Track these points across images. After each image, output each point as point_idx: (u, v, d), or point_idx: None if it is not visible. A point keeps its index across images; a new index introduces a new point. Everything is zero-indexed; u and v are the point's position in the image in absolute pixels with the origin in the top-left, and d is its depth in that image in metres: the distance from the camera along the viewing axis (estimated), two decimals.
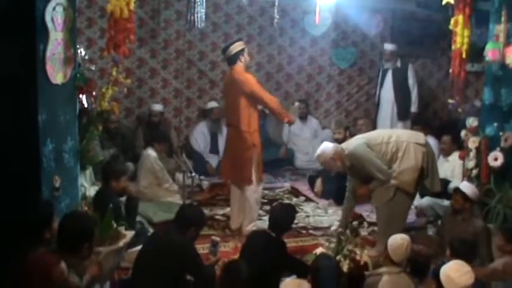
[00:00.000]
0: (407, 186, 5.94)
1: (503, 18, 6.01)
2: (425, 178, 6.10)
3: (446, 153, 7.60)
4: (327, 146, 6.26)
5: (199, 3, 6.93)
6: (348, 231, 5.47)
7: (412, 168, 5.94)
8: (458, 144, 7.08)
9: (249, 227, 6.60)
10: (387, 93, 9.44)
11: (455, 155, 7.18)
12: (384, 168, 5.92)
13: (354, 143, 6.15)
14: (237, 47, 6.64)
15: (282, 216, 5.28)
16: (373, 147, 5.99)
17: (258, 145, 6.69)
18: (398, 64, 9.43)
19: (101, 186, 5.99)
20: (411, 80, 9.42)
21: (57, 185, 4.61)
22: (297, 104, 6.71)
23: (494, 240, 5.49)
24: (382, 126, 9.18)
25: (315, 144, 9.54)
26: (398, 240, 4.64)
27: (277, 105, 6.64)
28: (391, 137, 6.04)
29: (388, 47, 9.48)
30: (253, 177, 6.63)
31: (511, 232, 5.05)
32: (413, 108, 9.38)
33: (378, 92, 9.66)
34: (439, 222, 6.77)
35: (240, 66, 6.62)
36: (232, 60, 6.66)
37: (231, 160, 6.79)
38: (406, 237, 4.67)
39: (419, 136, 6.23)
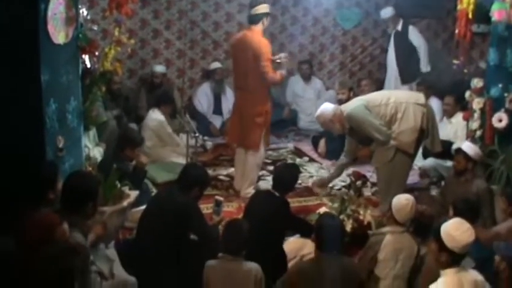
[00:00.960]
0: (407, 147, 5.93)
1: None
2: (425, 138, 6.07)
3: (450, 114, 7.50)
4: (327, 108, 6.25)
5: None
6: (351, 191, 5.50)
7: (412, 129, 5.91)
8: (462, 105, 7.05)
9: (248, 190, 6.61)
10: (391, 56, 9.37)
11: (458, 116, 7.12)
12: (382, 130, 5.91)
13: (353, 104, 6.12)
14: (262, 8, 6.50)
15: (286, 175, 5.29)
16: (372, 109, 5.96)
17: (269, 111, 6.66)
18: (399, 28, 9.31)
19: (113, 150, 5.98)
20: (416, 42, 9.29)
21: (60, 145, 4.61)
22: (283, 55, 6.47)
23: (497, 203, 5.53)
24: (388, 88, 9.11)
25: (319, 105, 9.35)
26: (402, 201, 4.65)
27: (271, 72, 6.44)
28: (390, 99, 6.01)
29: (383, 14, 9.36)
30: (261, 143, 6.61)
31: None
32: (424, 68, 9.25)
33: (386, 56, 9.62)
34: (442, 183, 6.80)
35: (259, 28, 6.50)
36: (254, 19, 6.52)
37: (240, 124, 6.70)
38: (410, 198, 4.67)
39: (418, 97, 6.17)
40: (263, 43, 6.41)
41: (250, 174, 6.72)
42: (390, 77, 9.38)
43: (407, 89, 8.97)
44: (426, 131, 5.98)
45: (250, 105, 6.53)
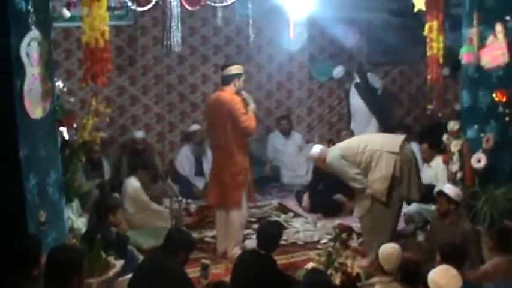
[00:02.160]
0: (380, 195, 5.98)
1: (475, 22, 6.09)
2: (399, 186, 6.10)
3: (428, 159, 7.63)
4: (315, 150, 6.53)
5: (174, 27, 6.94)
6: (337, 244, 5.49)
7: (384, 177, 5.97)
8: (441, 149, 7.12)
9: (235, 250, 6.57)
10: (356, 105, 9.72)
11: (437, 160, 7.20)
12: (358, 178, 6.00)
13: (331, 153, 6.27)
14: (234, 69, 6.68)
15: (269, 233, 5.29)
16: (348, 158, 6.09)
17: (249, 168, 6.70)
18: (357, 79, 9.56)
19: (95, 220, 5.94)
20: (376, 84, 9.71)
21: (42, 219, 4.58)
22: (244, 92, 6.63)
23: (483, 243, 5.55)
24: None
25: (300, 159, 9.61)
26: (388, 249, 4.65)
27: (250, 124, 6.53)
28: (367, 146, 6.12)
29: (336, 74, 9.79)
30: (243, 201, 6.62)
31: (499, 233, 5.08)
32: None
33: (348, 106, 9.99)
34: (428, 227, 6.81)
35: (231, 88, 6.61)
36: (225, 80, 6.68)
37: (219, 183, 6.71)
38: (396, 246, 4.68)
39: (394, 143, 6.22)
40: (235, 100, 6.53)
41: (235, 234, 6.70)
42: (361, 123, 9.58)
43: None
44: (399, 179, 6.01)
45: (228, 164, 6.57)
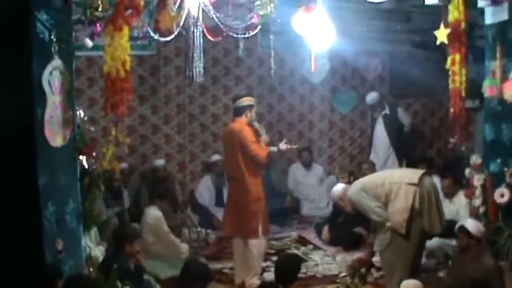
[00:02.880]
0: (399, 227, 5.88)
1: (498, 55, 6.06)
2: (421, 219, 6.01)
3: (449, 194, 7.47)
4: (337, 188, 6.50)
5: (197, 57, 6.97)
6: (356, 279, 5.42)
7: (403, 209, 5.88)
8: (463, 184, 7.04)
9: (253, 280, 6.51)
10: (380, 137, 9.56)
11: (459, 195, 7.11)
12: (377, 211, 5.94)
13: (352, 187, 6.23)
14: (246, 101, 6.72)
15: (288, 267, 5.24)
16: (368, 191, 6.03)
17: (263, 198, 6.66)
18: (387, 110, 9.48)
19: (113, 249, 5.92)
20: (405, 121, 9.58)
21: (59, 247, 4.59)
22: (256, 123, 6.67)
23: (507, 279, 5.44)
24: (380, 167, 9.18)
25: (321, 191, 9.56)
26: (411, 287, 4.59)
27: (260, 152, 6.55)
28: (386, 179, 6.06)
29: (370, 100, 9.59)
30: (259, 230, 6.59)
31: None
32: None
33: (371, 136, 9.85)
34: (449, 262, 6.69)
35: (243, 120, 6.64)
36: (237, 111, 6.72)
37: (235, 213, 6.69)
38: (418, 284, 4.64)
39: (413, 176, 6.11)
40: (246, 130, 6.57)
41: (254, 263, 6.65)
42: (379, 155, 9.48)
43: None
44: (419, 211, 5.93)
45: (242, 193, 6.57)
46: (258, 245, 6.62)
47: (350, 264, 6.59)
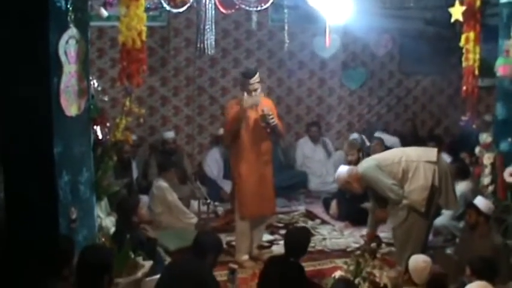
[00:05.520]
0: (418, 205, 5.89)
1: None
2: (439, 197, 6.02)
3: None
4: (342, 170, 6.41)
5: (208, 29, 6.94)
6: (366, 254, 5.44)
7: (422, 187, 5.89)
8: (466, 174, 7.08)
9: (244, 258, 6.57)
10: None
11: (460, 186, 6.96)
12: (394, 188, 5.91)
13: (366, 164, 6.19)
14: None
15: (298, 240, 5.26)
16: (384, 168, 6.00)
17: (246, 175, 6.48)
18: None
19: (121, 222, 5.95)
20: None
21: (73, 216, 4.60)
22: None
23: None
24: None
25: (328, 166, 9.57)
26: (420, 263, 4.66)
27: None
28: (402, 157, 6.03)
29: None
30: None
31: None
32: None
33: None
34: (457, 240, 6.73)
35: None
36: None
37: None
38: (427, 260, 4.68)
39: (430, 154, 6.11)
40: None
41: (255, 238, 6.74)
42: None
43: None
44: (438, 189, 5.94)
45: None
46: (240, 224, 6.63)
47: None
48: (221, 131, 9.16)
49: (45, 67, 4.40)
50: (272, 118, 6.33)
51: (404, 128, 10.51)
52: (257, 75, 6.48)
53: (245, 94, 6.35)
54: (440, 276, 4.80)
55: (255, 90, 6.37)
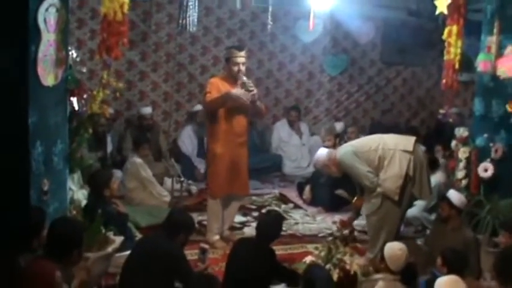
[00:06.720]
0: (392, 194, 5.91)
1: (495, 30, 6.04)
2: (412, 186, 6.05)
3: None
4: (322, 153, 6.38)
5: (191, 6, 6.88)
6: (337, 240, 5.45)
7: (396, 176, 5.89)
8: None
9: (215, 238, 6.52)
10: None
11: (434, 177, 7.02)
12: (369, 176, 5.92)
13: (343, 150, 6.17)
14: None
15: (270, 224, 5.23)
16: (361, 155, 5.99)
17: (220, 155, 6.35)
18: None
19: (93, 195, 5.89)
20: None
21: (45, 188, 4.52)
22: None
23: (483, 251, 5.53)
24: None
25: (304, 151, 9.58)
26: (396, 251, 4.68)
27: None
28: (379, 145, 6.02)
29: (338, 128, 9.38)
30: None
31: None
32: None
33: None
34: (427, 231, 6.77)
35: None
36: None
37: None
38: (404, 247, 4.71)
39: (407, 143, 6.09)
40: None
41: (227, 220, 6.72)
42: None
43: None
44: (412, 179, 5.96)
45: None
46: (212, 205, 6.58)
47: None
48: (197, 107, 9.10)
49: (23, 34, 4.29)
50: (252, 86, 6.24)
51: (383, 117, 10.56)
52: (245, 50, 6.40)
53: (238, 88, 6.20)
54: (411, 265, 4.83)
55: (243, 64, 6.27)
